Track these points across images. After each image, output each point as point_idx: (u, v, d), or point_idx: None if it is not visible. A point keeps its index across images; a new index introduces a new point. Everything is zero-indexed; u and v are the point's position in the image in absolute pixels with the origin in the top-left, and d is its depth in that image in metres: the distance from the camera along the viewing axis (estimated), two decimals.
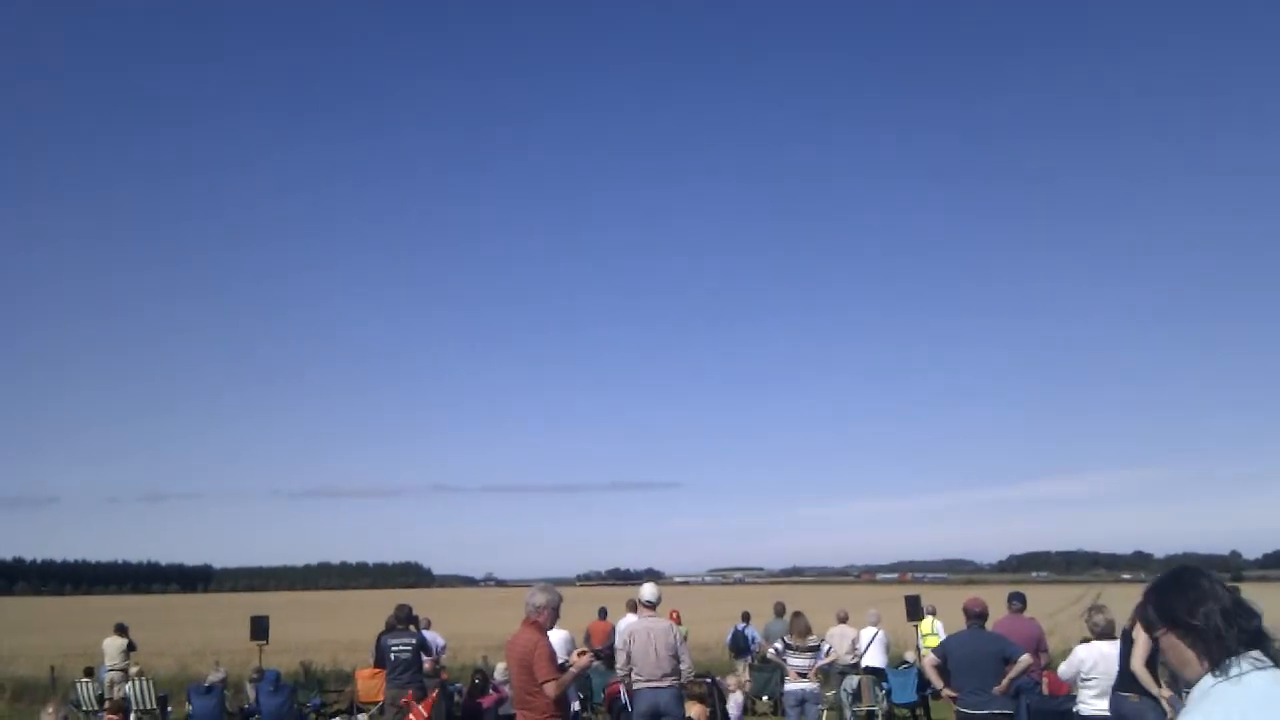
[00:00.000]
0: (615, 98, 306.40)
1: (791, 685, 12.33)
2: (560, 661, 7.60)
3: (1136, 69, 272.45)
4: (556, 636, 10.93)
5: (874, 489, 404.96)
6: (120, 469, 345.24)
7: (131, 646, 20.62)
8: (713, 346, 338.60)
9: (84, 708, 19.21)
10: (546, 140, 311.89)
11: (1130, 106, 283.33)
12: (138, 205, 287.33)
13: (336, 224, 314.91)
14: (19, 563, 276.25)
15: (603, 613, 21.72)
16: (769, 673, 18.54)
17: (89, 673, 20.71)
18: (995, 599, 11.75)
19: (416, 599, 14.69)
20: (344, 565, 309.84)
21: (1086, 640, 9.69)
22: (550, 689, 7.06)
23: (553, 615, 7.56)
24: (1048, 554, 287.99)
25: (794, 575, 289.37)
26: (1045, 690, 12.57)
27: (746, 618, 22.86)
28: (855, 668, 17.42)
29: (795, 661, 12.31)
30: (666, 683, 9.93)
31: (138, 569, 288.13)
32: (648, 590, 10.92)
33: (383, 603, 27.52)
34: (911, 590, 27.69)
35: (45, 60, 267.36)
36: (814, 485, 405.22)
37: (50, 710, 11.88)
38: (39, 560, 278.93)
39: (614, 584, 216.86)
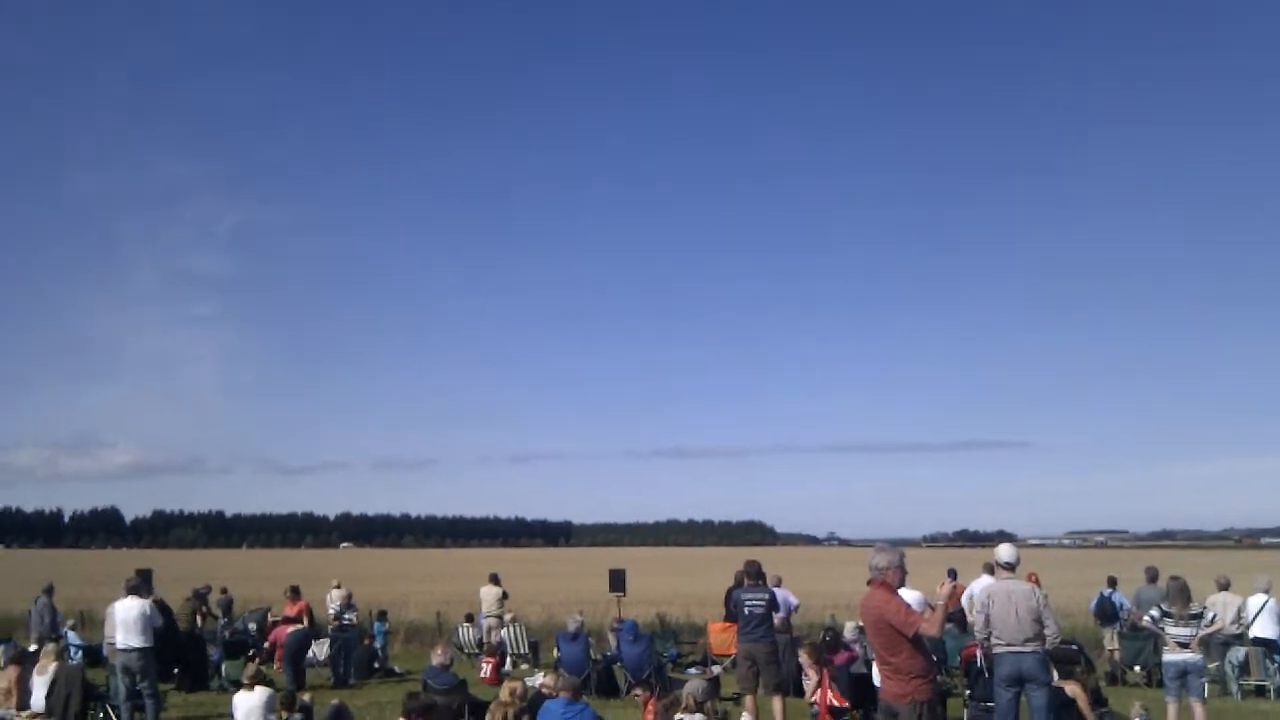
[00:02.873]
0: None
1: (1171, 656, 11.41)
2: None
3: None
4: (909, 597, 10.63)
5: (1254, 444, 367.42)
6: (489, 433, 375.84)
7: (505, 595, 22.13)
8: (1066, 298, 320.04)
9: (465, 650, 20.98)
10: None
11: None
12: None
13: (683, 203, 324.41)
14: (405, 518, 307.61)
15: (952, 574, 20.97)
16: (1141, 641, 17.29)
17: (469, 618, 22.57)
18: None
19: (761, 557, 14.76)
20: (692, 522, 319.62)
21: None
22: (928, 628, 6.84)
23: (899, 574, 7.33)
24: None
25: (1163, 539, 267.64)
26: None
27: (1113, 583, 21.36)
28: (1241, 638, 15.94)
29: (1175, 631, 11.37)
30: (1029, 647, 9.45)
31: (506, 524, 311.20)
32: (1005, 551, 10.41)
33: (729, 559, 28.10)
34: None
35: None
36: (1184, 442, 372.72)
37: (439, 651, 13.06)
38: (422, 516, 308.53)
39: (962, 546, 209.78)
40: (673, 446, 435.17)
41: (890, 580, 7.22)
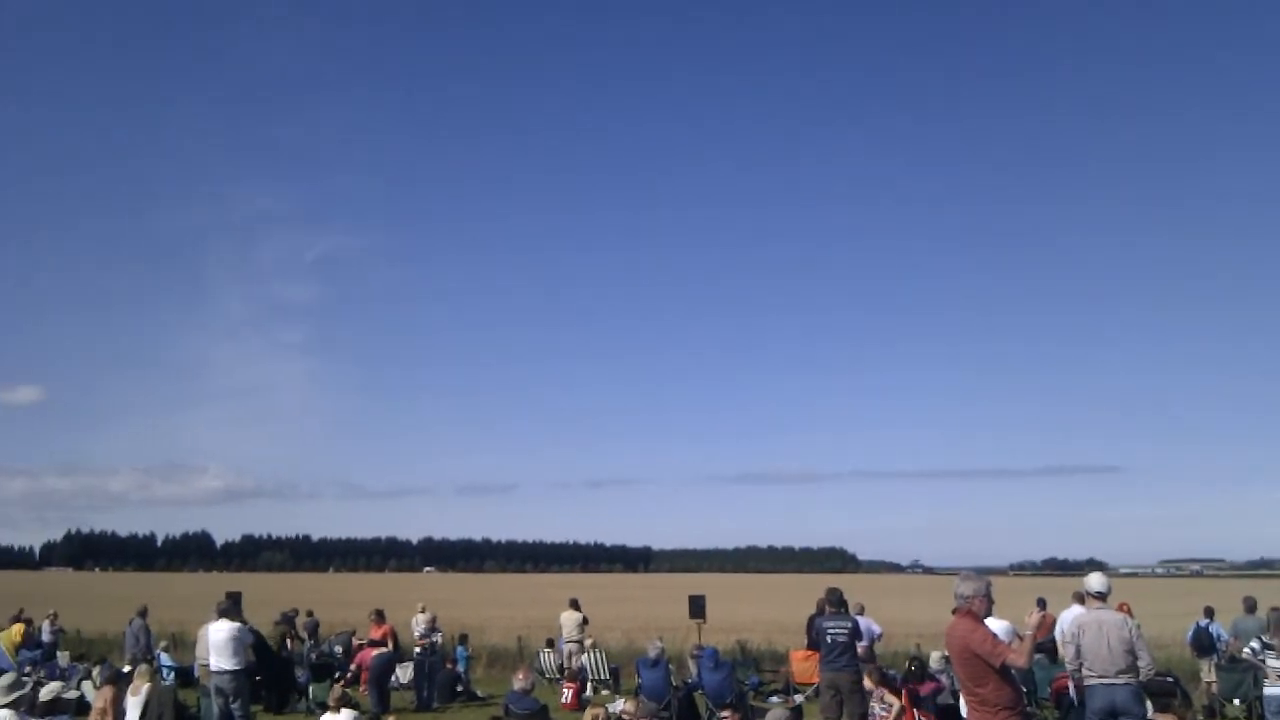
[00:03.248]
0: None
1: (1273, 689, 11.04)
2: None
3: None
4: (996, 626, 10.42)
5: None
6: (568, 458, 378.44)
7: (585, 620, 22.13)
8: (1156, 320, 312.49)
9: (546, 675, 21.02)
10: None
11: None
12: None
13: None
14: (487, 542, 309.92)
15: (1041, 603, 20.52)
16: (1240, 674, 16.66)
17: (550, 643, 22.62)
18: None
19: (842, 584, 14.60)
20: (771, 549, 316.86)
21: None
22: (1016, 659, 6.72)
23: (985, 603, 7.20)
24: None
25: (1261, 568, 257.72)
26: None
27: (1210, 613, 20.68)
28: None
29: (1277, 663, 10.97)
30: (1122, 680, 9.18)
31: (586, 549, 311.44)
32: (1096, 580, 10.13)
33: (810, 586, 27.75)
34: None
35: None
36: None
37: (521, 676, 13.12)
38: (503, 540, 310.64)
39: (1051, 574, 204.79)
40: (752, 471, 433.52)
41: (976, 609, 7.10)
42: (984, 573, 7.96)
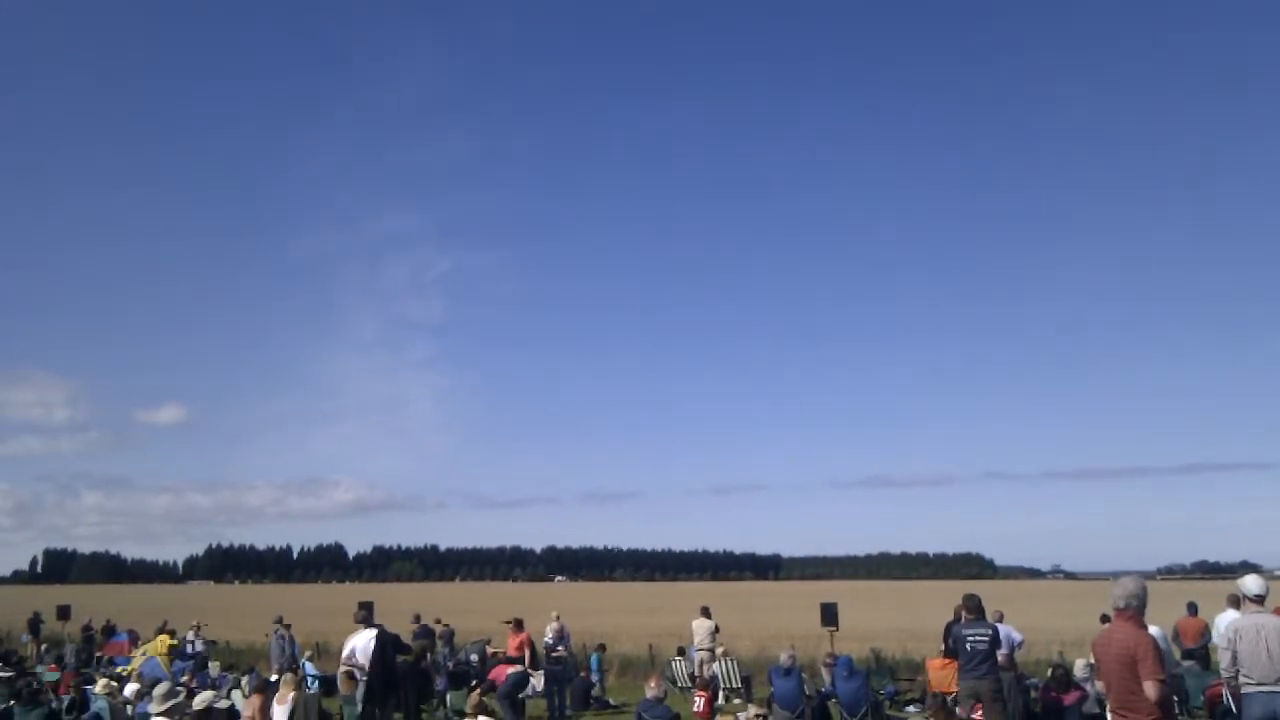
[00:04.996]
0: None
1: None
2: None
3: None
4: (1152, 632, 9.97)
5: None
6: (694, 465, 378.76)
7: (716, 628, 22.02)
8: None
9: (678, 684, 21.00)
10: None
11: None
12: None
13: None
14: (610, 551, 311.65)
15: (1192, 608, 19.64)
16: None
17: (681, 651, 22.62)
18: None
19: (979, 590, 14.21)
20: (904, 555, 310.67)
21: None
22: (1151, 689, 6.45)
23: (1142, 609, 6.91)
24: None
25: None
26: None
27: None
28: None
29: None
30: None
31: (714, 557, 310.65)
32: (1252, 582, 9.63)
33: (945, 593, 27.19)
34: None
35: None
36: None
37: (653, 684, 13.16)
38: (630, 549, 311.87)
39: (1202, 578, 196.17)
40: (883, 475, 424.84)
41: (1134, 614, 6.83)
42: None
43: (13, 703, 15.12)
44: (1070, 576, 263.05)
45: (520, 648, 19.92)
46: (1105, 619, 18.56)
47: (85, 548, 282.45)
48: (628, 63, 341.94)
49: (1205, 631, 18.50)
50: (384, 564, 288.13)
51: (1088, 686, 14.04)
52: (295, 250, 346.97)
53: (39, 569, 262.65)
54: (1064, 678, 14.68)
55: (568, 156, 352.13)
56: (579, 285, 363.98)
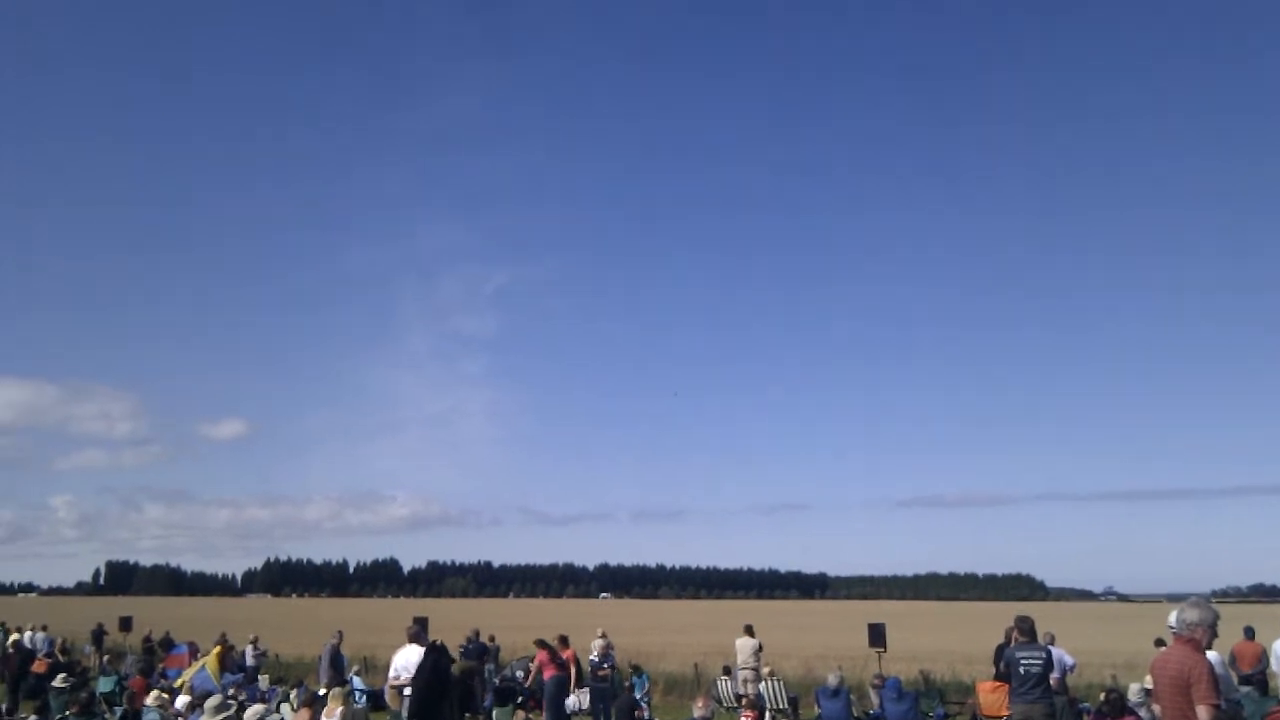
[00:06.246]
0: None
1: None
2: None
3: None
4: (1209, 657, 9.77)
5: None
6: (742, 483, 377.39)
7: (760, 647, 21.90)
8: None
9: (724, 703, 20.88)
10: None
11: None
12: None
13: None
14: (660, 569, 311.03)
15: (1249, 632, 19.23)
16: None
17: (726, 670, 22.49)
18: None
19: (1030, 612, 13.99)
20: (953, 575, 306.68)
21: None
22: (1204, 714, 6.32)
23: (1209, 634, 6.79)
24: None
25: None
26: None
27: None
28: None
29: None
30: None
31: (760, 575, 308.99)
32: None
33: (995, 615, 26.81)
34: None
35: None
36: None
37: (700, 704, 13.11)
38: (677, 567, 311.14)
39: (1259, 601, 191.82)
40: (930, 495, 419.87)
41: (1199, 639, 6.70)
42: (1184, 599, 7.47)
43: (69, 712, 15.38)
44: (1123, 598, 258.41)
45: (565, 663, 19.91)
46: (1160, 642, 18.26)
47: (147, 560, 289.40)
48: (684, 78, 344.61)
49: (1263, 656, 18.10)
50: (438, 579, 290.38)
51: (1142, 711, 13.78)
52: (350, 264, 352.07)
53: (102, 581, 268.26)
54: (1117, 702, 14.43)
55: (621, 170, 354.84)
56: (631, 300, 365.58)
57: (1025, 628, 12.32)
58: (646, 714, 20.23)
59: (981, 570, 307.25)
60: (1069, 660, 15.76)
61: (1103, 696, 15.48)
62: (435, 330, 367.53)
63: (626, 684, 20.28)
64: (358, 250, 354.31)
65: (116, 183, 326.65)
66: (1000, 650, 15.54)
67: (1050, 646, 13.88)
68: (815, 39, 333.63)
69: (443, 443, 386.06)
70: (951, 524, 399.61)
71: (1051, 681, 12.37)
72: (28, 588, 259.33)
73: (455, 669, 17.50)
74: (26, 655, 26.95)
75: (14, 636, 31.69)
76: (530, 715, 16.50)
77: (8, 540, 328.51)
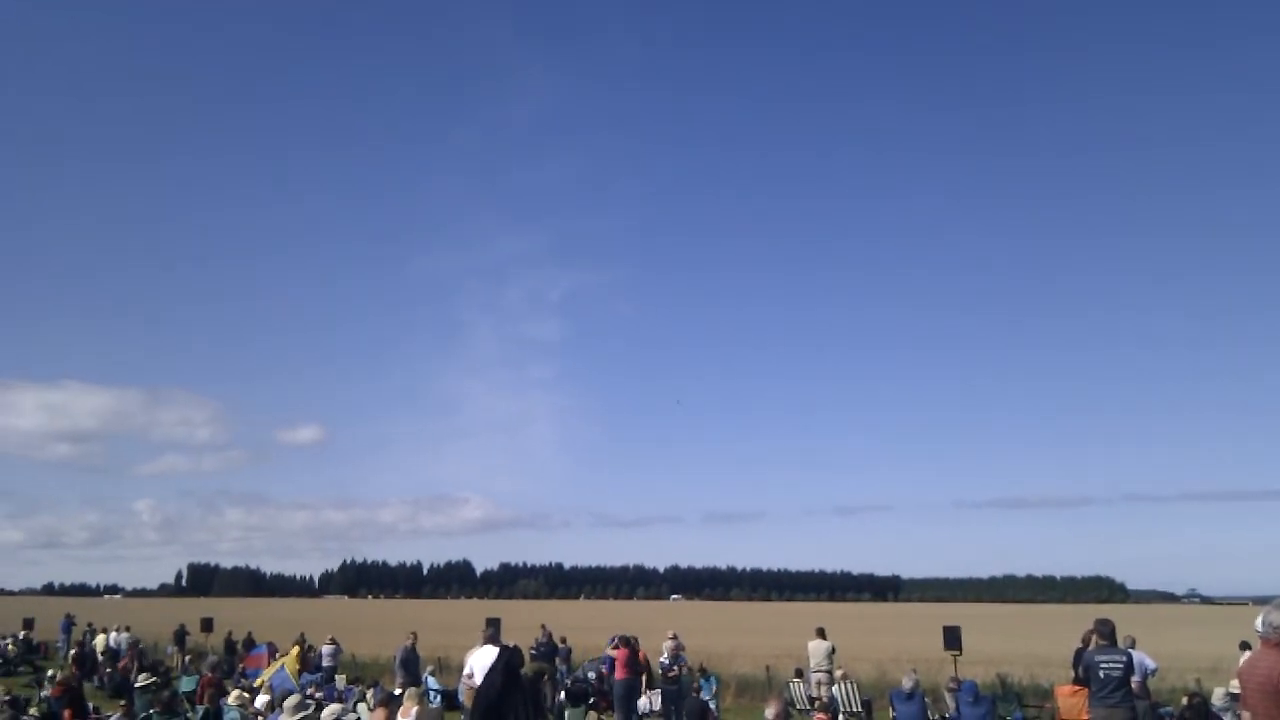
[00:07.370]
0: None
1: None
2: None
3: None
4: None
5: None
6: (815, 484, 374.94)
7: (833, 650, 21.68)
8: None
9: (797, 706, 20.75)
10: None
11: None
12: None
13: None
14: (731, 570, 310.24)
15: None
16: None
17: (799, 673, 22.35)
18: None
19: (1111, 615, 13.70)
20: (1030, 578, 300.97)
21: None
22: None
23: None
24: None
25: None
26: None
27: None
28: None
29: None
30: None
31: (832, 578, 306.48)
32: None
33: (1073, 617, 26.30)
34: None
35: None
36: None
37: (772, 707, 13.01)
38: (749, 569, 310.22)
39: None
40: (1006, 496, 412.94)
41: None
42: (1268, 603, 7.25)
43: (153, 710, 15.82)
44: (1206, 601, 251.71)
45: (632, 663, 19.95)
46: (1245, 646, 17.74)
47: (227, 562, 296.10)
48: (747, 88, 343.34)
49: None
50: (510, 581, 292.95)
51: (1227, 716, 13.43)
52: (419, 273, 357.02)
53: (184, 583, 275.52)
54: (1200, 707, 14.10)
55: (685, 177, 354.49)
56: (695, 305, 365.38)
57: (1105, 631, 12.07)
58: (716, 716, 20.21)
59: (1059, 572, 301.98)
60: (1150, 664, 15.40)
61: (1185, 701, 15.14)
62: (502, 335, 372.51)
63: (695, 685, 20.25)
64: (426, 259, 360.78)
65: (199, 195, 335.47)
66: (1079, 654, 15.24)
67: (1131, 650, 13.61)
68: (880, 63, 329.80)
69: (512, 446, 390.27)
70: (1032, 526, 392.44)
71: (1132, 686, 12.11)
72: (113, 589, 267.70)
73: (527, 670, 17.69)
74: (112, 655, 27.81)
75: (100, 637, 32.74)
76: (602, 716, 16.59)
77: (93, 543, 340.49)
